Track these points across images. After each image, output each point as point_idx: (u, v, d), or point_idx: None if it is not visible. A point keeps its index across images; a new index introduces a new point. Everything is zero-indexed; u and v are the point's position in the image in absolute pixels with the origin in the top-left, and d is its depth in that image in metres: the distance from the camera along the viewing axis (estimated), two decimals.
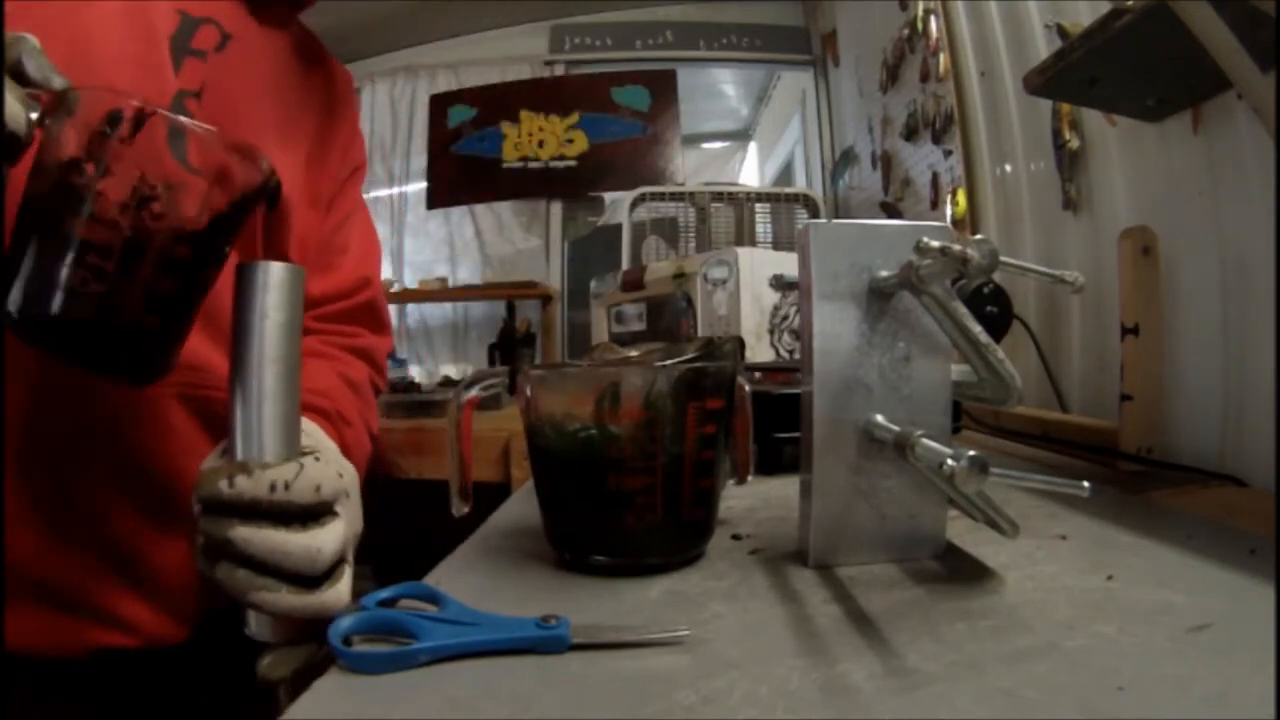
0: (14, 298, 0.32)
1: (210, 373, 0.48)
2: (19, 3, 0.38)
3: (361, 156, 0.67)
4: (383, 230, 2.60)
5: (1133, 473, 0.72)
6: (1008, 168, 1.22)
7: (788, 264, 1.15)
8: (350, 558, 0.39)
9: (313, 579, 0.36)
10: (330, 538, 0.36)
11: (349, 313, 0.63)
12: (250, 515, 0.35)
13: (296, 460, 0.36)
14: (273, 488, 0.35)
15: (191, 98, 0.49)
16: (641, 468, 0.42)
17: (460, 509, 0.49)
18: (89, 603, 0.45)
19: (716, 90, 3.32)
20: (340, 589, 0.37)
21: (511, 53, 2.79)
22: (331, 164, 0.61)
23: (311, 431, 0.45)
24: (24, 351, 0.36)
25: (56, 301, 0.32)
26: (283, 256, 0.54)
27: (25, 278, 0.32)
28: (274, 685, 0.36)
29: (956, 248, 0.36)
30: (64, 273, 0.32)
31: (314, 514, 0.37)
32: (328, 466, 0.37)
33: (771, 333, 1.12)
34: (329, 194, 0.61)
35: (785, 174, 3.23)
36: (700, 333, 1.28)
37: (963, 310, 0.40)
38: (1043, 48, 1.03)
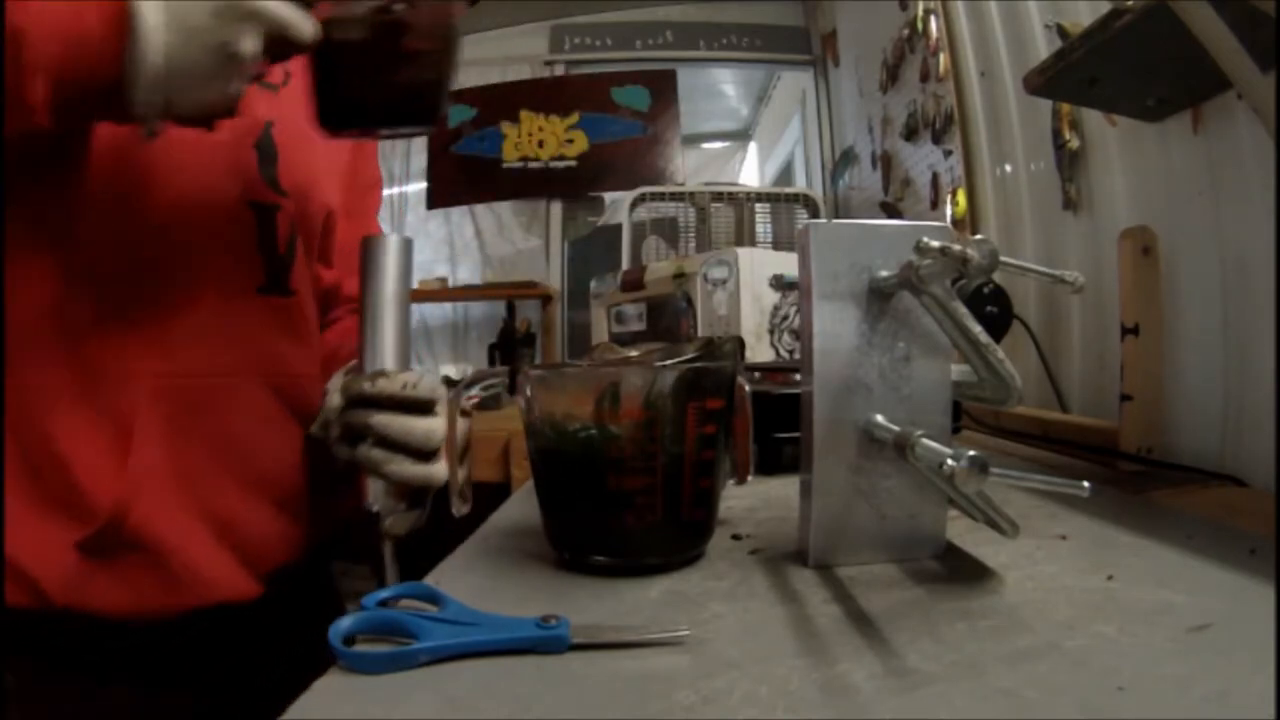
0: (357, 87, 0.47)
1: (289, 364, 0.58)
2: None
3: (377, 173, 0.74)
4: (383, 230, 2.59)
5: (1133, 473, 0.72)
6: (1008, 168, 1.22)
7: (788, 264, 1.15)
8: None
9: (427, 455, 0.50)
10: (439, 425, 0.50)
11: None
12: (385, 407, 0.48)
13: (415, 370, 0.51)
14: (403, 385, 0.49)
15: (271, 127, 0.57)
16: (641, 468, 0.42)
17: (460, 509, 0.49)
18: (194, 565, 0.51)
19: (716, 90, 3.32)
20: (442, 466, 0.50)
21: (511, 53, 2.79)
22: (361, 180, 0.70)
23: (434, 381, 0.55)
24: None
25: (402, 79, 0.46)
26: (328, 262, 0.66)
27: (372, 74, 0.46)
28: (394, 539, 0.51)
29: (956, 248, 0.36)
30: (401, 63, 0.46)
31: (428, 408, 0.50)
32: (434, 377, 0.51)
33: (771, 333, 1.12)
34: (359, 208, 0.70)
35: (785, 174, 3.23)
36: (700, 333, 1.28)
37: (963, 310, 0.40)
38: (1043, 48, 1.03)
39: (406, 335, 0.52)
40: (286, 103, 0.57)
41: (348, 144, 0.67)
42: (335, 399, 0.52)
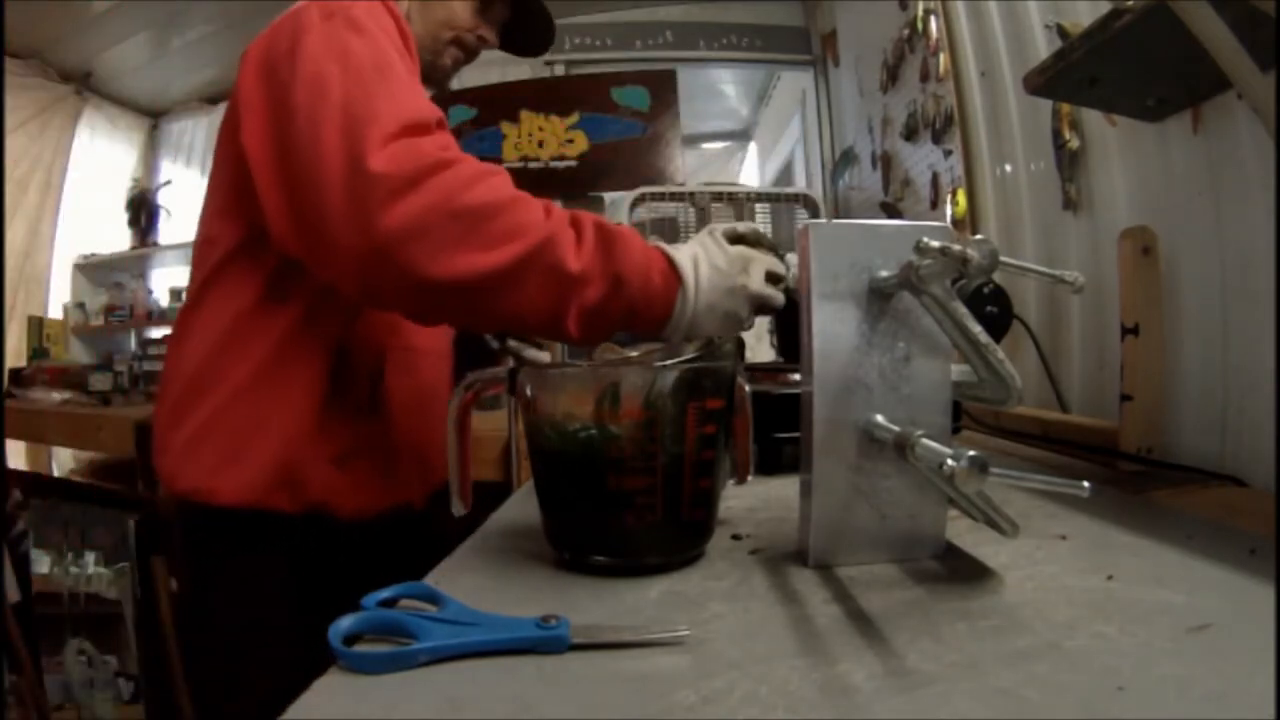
0: None
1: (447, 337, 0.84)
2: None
3: None
4: None
5: (1133, 473, 0.72)
6: (1008, 168, 1.22)
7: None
8: None
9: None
10: None
11: None
12: None
13: None
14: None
15: None
16: (641, 468, 0.42)
17: (460, 509, 0.49)
18: (401, 474, 0.74)
19: (716, 90, 3.32)
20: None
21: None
22: None
23: None
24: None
25: None
26: None
27: None
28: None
29: (956, 248, 0.36)
30: None
31: None
32: None
33: (772, 333, 1.12)
34: None
35: (785, 174, 3.22)
36: None
37: (963, 310, 0.40)
38: (1043, 48, 1.03)
39: None
40: None
41: None
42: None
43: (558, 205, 0.58)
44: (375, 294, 0.57)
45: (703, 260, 0.59)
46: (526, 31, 0.88)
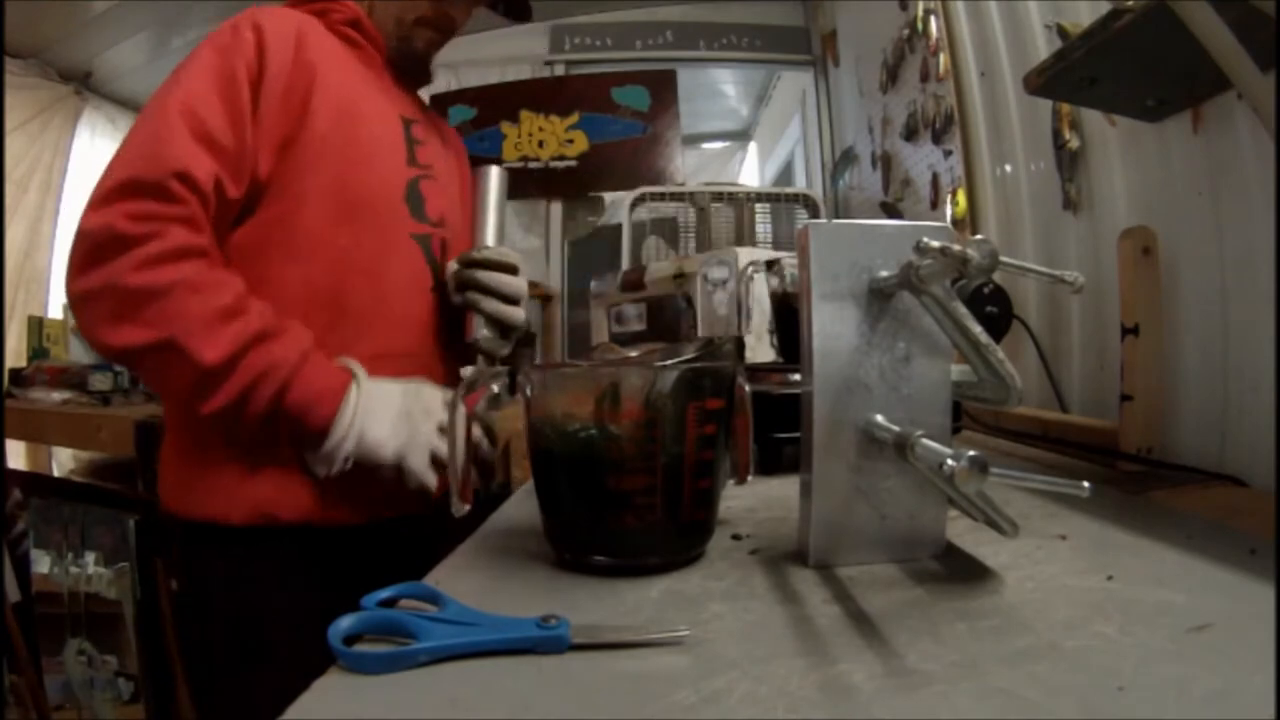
0: None
1: (446, 337, 0.81)
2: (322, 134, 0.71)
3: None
4: None
5: (1133, 473, 0.72)
6: (1008, 168, 1.22)
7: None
8: (524, 306, 0.80)
9: (512, 300, 0.78)
10: (517, 281, 0.79)
11: None
12: (484, 266, 0.77)
13: (504, 248, 0.80)
14: (499, 254, 0.78)
15: (427, 173, 0.81)
16: (641, 468, 0.42)
17: (460, 509, 0.49)
18: (393, 488, 0.70)
19: (716, 90, 3.32)
20: (519, 311, 0.79)
21: (511, 53, 2.78)
22: (467, 201, 0.92)
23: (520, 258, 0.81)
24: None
25: None
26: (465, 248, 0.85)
27: None
28: (490, 357, 0.79)
29: (956, 248, 0.36)
30: None
31: (513, 270, 0.78)
32: (515, 254, 0.80)
33: (772, 333, 1.12)
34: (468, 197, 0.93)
35: (785, 174, 3.22)
36: (700, 333, 1.28)
37: (963, 310, 0.40)
38: (1043, 48, 1.03)
39: (501, 227, 0.82)
40: (431, 153, 0.83)
41: (458, 168, 0.93)
42: (453, 265, 0.79)
43: (256, 307, 0.62)
44: None
45: (382, 387, 0.66)
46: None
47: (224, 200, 0.65)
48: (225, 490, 0.67)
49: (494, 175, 0.82)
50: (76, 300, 0.60)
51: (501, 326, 0.78)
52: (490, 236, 0.80)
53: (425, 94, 0.95)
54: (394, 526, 0.74)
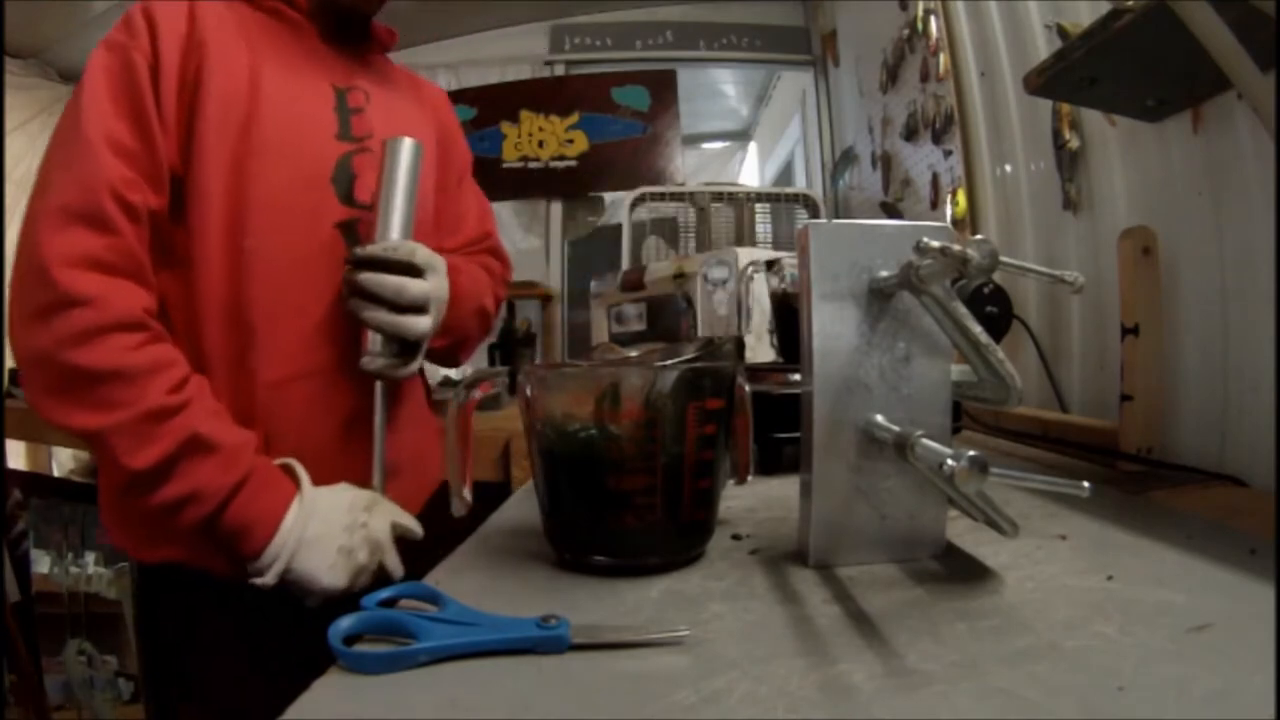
0: None
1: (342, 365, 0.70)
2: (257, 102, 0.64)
3: (468, 153, 0.91)
4: None
5: (1133, 473, 0.72)
6: (1008, 168, 1.22)
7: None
8: (434, 314, 0.66)
9: (400, 309, 0.63)
10: (414, 285, 0.63)
11: (478, 254, 0.86)
12: (370, 267, 0.62)
13: (406, 243, 0.64)
14: (384, 250, 0.63)
15: (363, 146, 0.70)
16: (641, 468, 0.42)
17: (460, 509, 0.49)
18: None
19: (716, 90, 3.32)
20: (420, 321, 0.64)
21: (511, 53, 2.78)
22: (454, 162, 0.85)
23: (432, 254, 0.67)
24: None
25: None
26: (426, 228, 0.75)
27: None
28: (383, 379, 0.66)
29: (956, 248, 0.36)
30: None
31: (407, 270, 0.63)
32: (425, 251, 0.65)
33: (772, 333, 1.12)
34: (452, 183, 0.85)
35: (785, 174, 3.22)
36: (700, 333, 1.28)
37: (963, 310, 0.40)
38: (1043, 48, 1.03)
39: (410, 216, 0.66)
40: (373, 120, 0.72)
41: (432, 134, 0.80)
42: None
43: (196, 399, 0.57)
44: None
45: (321, 495, 0.60)
46: None
47: (149, 211, 0.59)
48: (164, 533, 0.62)
49: (405, 149, 0.66)
50: (21, 354, 0.56)
51: (400, 342, 0.65)
52: (395, 227, 0.65)
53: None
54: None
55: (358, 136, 0.70)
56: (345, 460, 0.66)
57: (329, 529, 0.59)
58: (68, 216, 0.56)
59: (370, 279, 0.62)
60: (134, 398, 0.55)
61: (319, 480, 0.62)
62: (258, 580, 0.57)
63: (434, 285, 0.65)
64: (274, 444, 0.63)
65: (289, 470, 0.61)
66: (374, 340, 0.63)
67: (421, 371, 0.81)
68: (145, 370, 0.56)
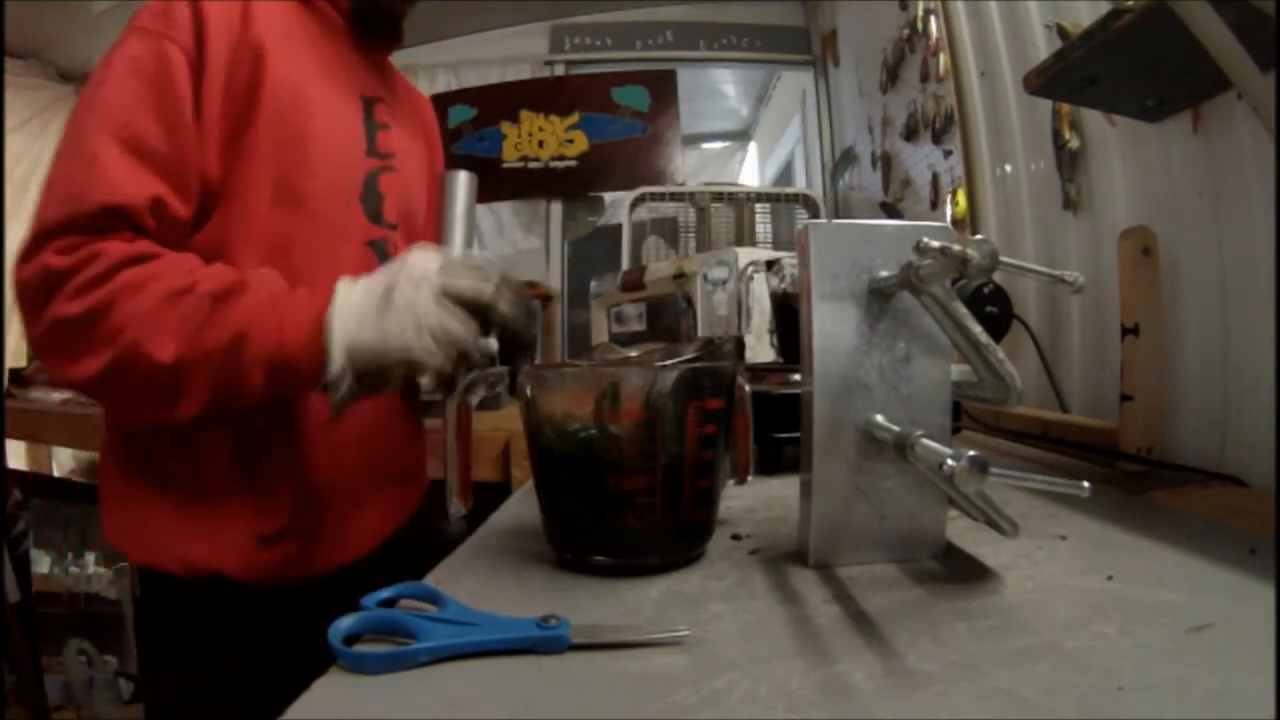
0: None
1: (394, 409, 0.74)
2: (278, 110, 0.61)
3: (442, 157, 0.90)
4: None
5: (1133, 473, 0.72)
6: (1008, 168, 1.22)
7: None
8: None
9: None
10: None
11: None
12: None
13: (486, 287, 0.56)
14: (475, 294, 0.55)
15: (388, 164, 0.71)
16: (641, 468, 0.42)
17: (459, 509, 0.49)
18: (338, 538, 0.67)
19: (716, 90, 3.32)
20: (492, 342, 0.58)
21: (511, 53, 2.78)
22: (436, 168, 0.85)
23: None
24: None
25: None
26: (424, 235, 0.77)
27: None
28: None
29: (956, 248, 0.36)
30: None
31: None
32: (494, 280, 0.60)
33: (772, 333, 1.12)
34: (433, 187, 0.84)
35: (785, 174, 3.22)
36: (700, 333, 1.28)
37: (963, 310, 0.40)
38: (1043, 48, 1.03)
39: (471, 234, 0.73)
40: (394, 135, 0.73)
41: (425, 145, 0.83)
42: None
43: (208, 273, 0.53)
44: None
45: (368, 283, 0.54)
46: None
47: (171, 221, 0.56)
48: (166, 539, 0.61)
49: (462, 182, 0.72)
50: (35, 348, 0.55)
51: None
52: (458, 244, 0.71)
53: (425, 93, 0.92)
54: (337, 579, 0.66)
55: (383, 153, 0.70)
56: (375, 461, 0.69)
57: (368, 296, 0.53)
58: (62, 228, 0.52)
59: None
60: (146, 298, 0.51)
61: (352, 486, 0.66)
62: (338, 411, 0.52)
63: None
64: (308, 450, 0.63)
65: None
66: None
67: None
68: (151, 275, 0.52)
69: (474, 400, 0.51)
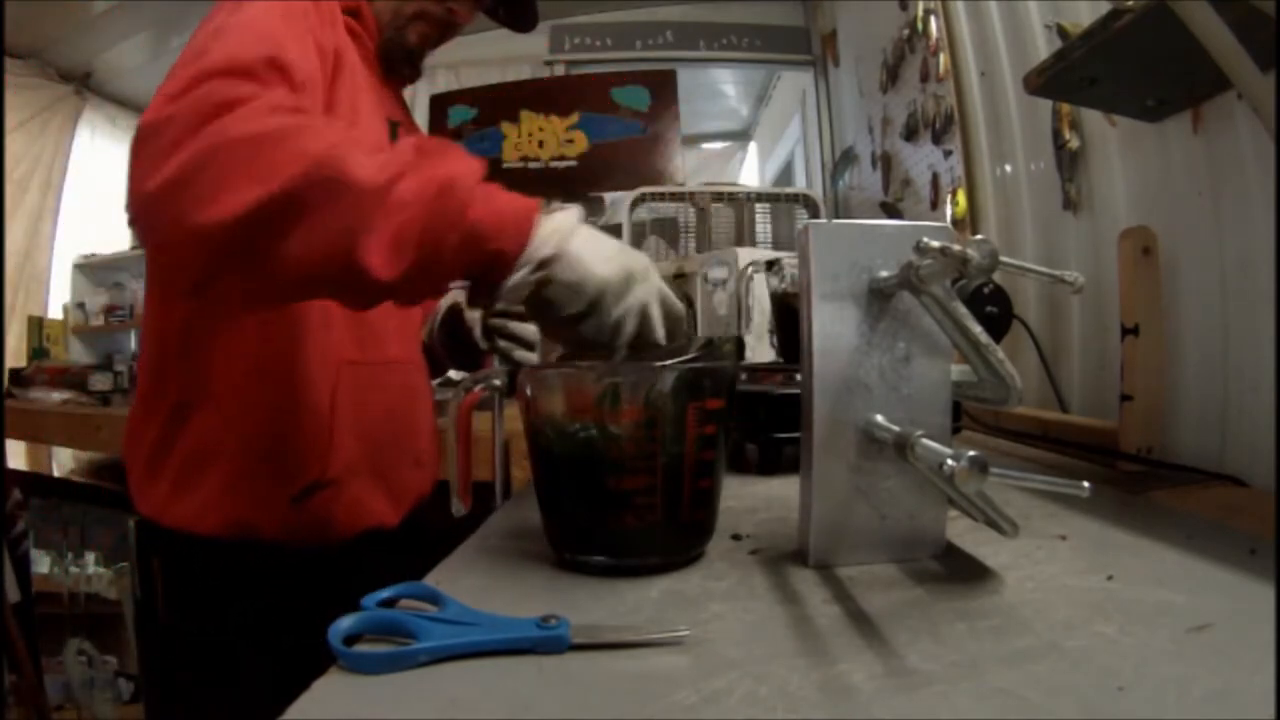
0: None
1: (419, 350, 0.86)
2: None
3: None
4: None
5: (1133, 473, 0.72)
6: (1008, 168, 1.22)
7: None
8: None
9: (530, 345, 0.82)
10: (535, 329, 0.80)
11: None
12: (511, 317, 0.82)
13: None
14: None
15: None
16: (641, 468, 0.42)
17: (460, 509, 0.49)
18: (363, 504, 0.73)
19: (716, 90, 3.32)
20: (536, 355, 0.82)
21: (511, 53, 2.78)
22: None
23: None
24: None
25: None
26: None
27: None
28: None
29: (956, 248, 0.36)
30: None
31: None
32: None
33: (772, 333, 1.12)
34: None
35: (785, 174, 3.22)
36: (700, 333, 1.28)
37: (963, 310, 0.40)
38: (1043, 48, 1.03)
39: None
40: None
41: None
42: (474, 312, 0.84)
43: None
44: (167, 257, 0.51)
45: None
46: (510, 5, 0.87)
47: None
48: (207, 502, 0.65)
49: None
50: (159, 194, 0.44)
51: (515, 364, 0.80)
52: None
53: (425, 93, 0.95)
54: (363, 545, 0.72)
55: None
56: (398, 440, 0.76)
57: (600, 238, 0.52)
58: (224, 70, 0.49)
59: (517, 326, 0.80)
60: (336, 133, 0.47)
61: (374, 460, 0.73)
62: (518, 275, 0.48)
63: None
64: (339, 421, 0.69)
65: None
66: (497, 367, 0.82)
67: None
68: (341, 129, 0.51)
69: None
